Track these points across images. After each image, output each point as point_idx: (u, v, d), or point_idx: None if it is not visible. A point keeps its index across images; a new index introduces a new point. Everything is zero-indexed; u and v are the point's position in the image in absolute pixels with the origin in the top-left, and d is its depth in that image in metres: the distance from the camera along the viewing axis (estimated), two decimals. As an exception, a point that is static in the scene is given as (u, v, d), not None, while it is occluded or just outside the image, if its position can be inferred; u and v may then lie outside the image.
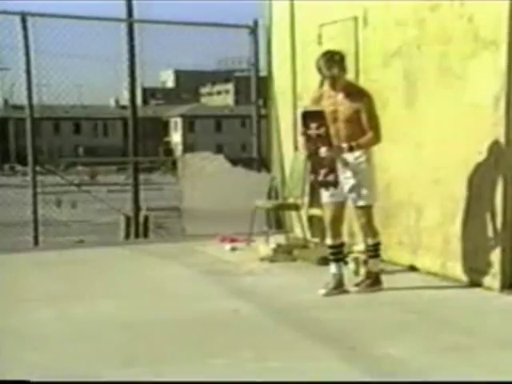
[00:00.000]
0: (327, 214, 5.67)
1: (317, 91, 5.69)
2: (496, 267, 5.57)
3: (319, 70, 5.40)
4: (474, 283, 5.70)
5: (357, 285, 5.67)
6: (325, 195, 5.65)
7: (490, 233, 5.58)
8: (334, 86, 5.40)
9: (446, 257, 6.03)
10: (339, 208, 5.56)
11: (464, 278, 5.81)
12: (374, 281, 5.66)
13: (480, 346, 4.30)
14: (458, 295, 5.51)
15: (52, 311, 5.20)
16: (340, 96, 5.41)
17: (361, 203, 5.49)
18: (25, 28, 8.09)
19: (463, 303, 5.28)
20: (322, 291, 5.50)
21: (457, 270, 5.90)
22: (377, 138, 5.42)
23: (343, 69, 5.37)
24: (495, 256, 5.57)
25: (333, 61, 5.32)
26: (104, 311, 5.17)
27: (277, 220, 8.59)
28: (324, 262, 6.61)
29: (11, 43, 8.40)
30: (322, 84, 5.62)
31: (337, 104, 5.40)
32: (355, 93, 5.42)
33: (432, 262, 6.17)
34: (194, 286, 6.07)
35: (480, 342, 4.38)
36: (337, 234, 5.62)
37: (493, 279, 5.58)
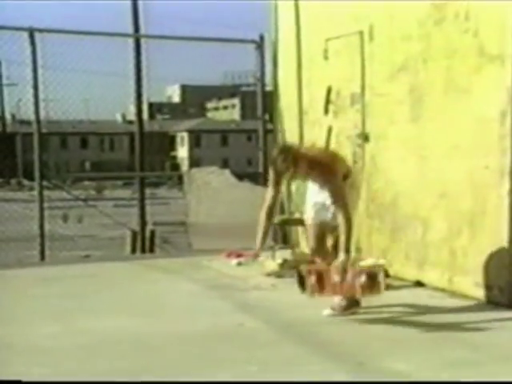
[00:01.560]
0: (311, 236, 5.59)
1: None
2: (503, 282, 5.55)
3: (275, 169, 5.28)
4: (481, 298, 5.68)
5: (332, 308, 5.36)
6: (310, 217, 5.60)
7: (497, 247, 5.57)
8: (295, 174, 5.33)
9: (453, 272, 6.01)
10: (323, 228, 5.47)
11: (471, 293, 5.79)
12: (349, 303, 5.36)
13: (486, 361, 4.28)
14: (465, 310, 5.49)
15: (59, 326, 5.20)
16: (303, 171, 5.30)
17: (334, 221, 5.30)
18: (33, 43, 8.15)
19: (470, 318, 5.25)
20: (327, 312, 5.35)
21: (464, 285, 5.88)
22: (349, 224, 5.12)
23: (298, 159, 5.19)
24: (502, 271, 5.55)
25: (287, 161, 5.15)
26: (110, 325, 5.17)
27: (283, 235, 8.58)
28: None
29: (19, 59, 8.48)
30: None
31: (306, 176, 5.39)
32: (317, 172, 5.28)
33: (439, 277, 6.16)
34: (200, 300, 6.07)
35: (486, 357, 4.36)
36: (325, 255, 5.50)
37: (500, 294, 5.56)
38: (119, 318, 5.40)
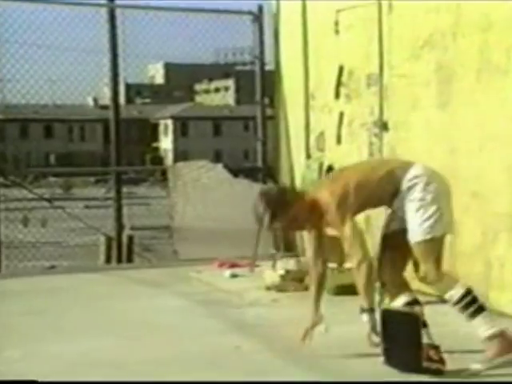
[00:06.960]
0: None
1: None
2: (546, 297, 5.58)
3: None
4: (521, 316, 5.71)
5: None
6: None
7: (540, 256, 5.60)
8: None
9: (488, 285, 6.03)
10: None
11: (509, 311, 5.81)
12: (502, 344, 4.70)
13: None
14: (502, 330, 5.50)
15: (24, 349, 5.20)
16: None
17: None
18: (-13, 14, 8.18)
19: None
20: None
21: (501, 301, 5.90)
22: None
23: (288, 207, 4.76)
24: (546, 284, 5.58)
25: (269, 215, 4.69)
26: (83, 348, 5.18)
27: (285, 241, 8.60)
28: (341, 291, 6.62)
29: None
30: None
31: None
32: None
33: (470, 291, 6.17)
34: (189, 319, 6.09)
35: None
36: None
37: (543, 311, 5.59)
38: (93, 340, 5.41)
